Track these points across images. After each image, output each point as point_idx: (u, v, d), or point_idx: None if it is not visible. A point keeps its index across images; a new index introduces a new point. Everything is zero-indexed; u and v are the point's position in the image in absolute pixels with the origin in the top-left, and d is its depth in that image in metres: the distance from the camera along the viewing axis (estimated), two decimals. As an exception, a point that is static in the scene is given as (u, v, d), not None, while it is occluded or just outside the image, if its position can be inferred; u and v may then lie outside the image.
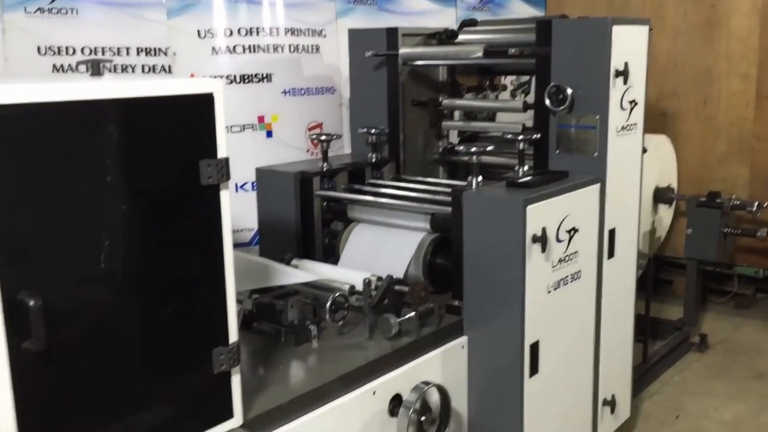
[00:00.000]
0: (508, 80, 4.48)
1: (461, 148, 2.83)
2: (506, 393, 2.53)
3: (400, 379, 2.28)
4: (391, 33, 3.19)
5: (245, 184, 3.57)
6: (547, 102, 2.81)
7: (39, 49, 3.11)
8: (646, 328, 3.92)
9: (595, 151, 2.80)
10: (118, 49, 3.30)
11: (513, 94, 4.54)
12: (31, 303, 1.36)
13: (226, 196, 1.69)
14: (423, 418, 2.25)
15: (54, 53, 3.15)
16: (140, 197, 1.57)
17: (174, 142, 1.63)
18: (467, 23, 3.32)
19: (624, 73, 2.77)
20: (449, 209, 2.60)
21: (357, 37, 3.31)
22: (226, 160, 1.68)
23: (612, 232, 2.92)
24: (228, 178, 1.68)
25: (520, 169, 2.70)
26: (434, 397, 2.32)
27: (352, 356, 2.26)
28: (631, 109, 2.90)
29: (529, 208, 2.41)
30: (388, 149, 3.25)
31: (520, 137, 2.73)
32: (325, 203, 2.99)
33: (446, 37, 3.31)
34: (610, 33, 2.70)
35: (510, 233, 2.43)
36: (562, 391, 2.77)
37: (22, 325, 1.36)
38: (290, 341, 2.33)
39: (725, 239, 4.28)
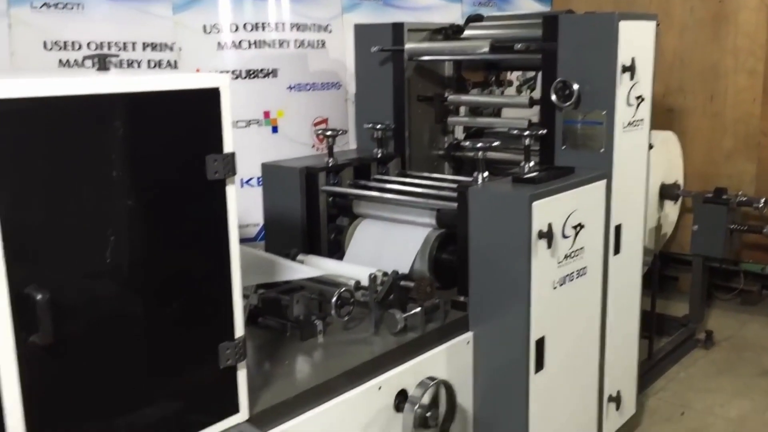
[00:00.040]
0: (514, 76, 4.46)
1: (467, 143, 2.83)
2: (512, 389, 2.53)
3: (406, 374, 2.28)
4: (397, 28, 3.19)
5: (251, 179, 3.57)
6: (554, 98, 2.80)
7: (45, 44, 3.11)
8: (651, 324, 3.91)
9: (601, 147, 2.79)
10: (124, 44, 3.30)
11: (519, 90, 4.53)
12: (39, 297, 1.37)
13: (232, 191, 1.70)
14: (428, 414, 2.25)
15: (60, 48, 3.15)
16: (146, 192, 1.58)
17: (180, 137, 1.63)
18: (473, 19, 3.31)
19: (631, 69, 2.76)
20: (455, 205, 2.59)
21: (363, 33, 3.30)
22: (233, 155, 1.68)
23: (618, 228, 2.91)
24: (234, 173, 1.69)
25: (526, 165, 2.70)
26: (440, 393, 2.32)
27: (357, 351, 2.26)
28: (638, 105, 2.89)
29: (535, 204, 2.41)
30: (393, 145, 3.25)
31: (527, 133, 2.72)
32: (330, 198, 2.99)
33: (452, 32, 3.31)
34: (616, 28, 2.69)
35: (516, 229, 2.43)
36: (568, 387, 2.76)
37: (29, 319, 1.37)
38: (296, 336, 2.33)
39: (731, 236, 4.27)
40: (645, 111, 2.95)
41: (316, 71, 3.78)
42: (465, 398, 2.54)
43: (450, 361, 2.46)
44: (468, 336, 2.55)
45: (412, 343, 2.35)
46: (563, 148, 2.85)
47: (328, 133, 3.07)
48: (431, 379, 2.28)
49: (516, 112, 3.39)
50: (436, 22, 3.40)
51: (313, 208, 2.94)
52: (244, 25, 3.57)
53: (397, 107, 3.23)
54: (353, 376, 2.14)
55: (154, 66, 3.41)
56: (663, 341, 4.26)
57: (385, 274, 2.43)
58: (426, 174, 3.20)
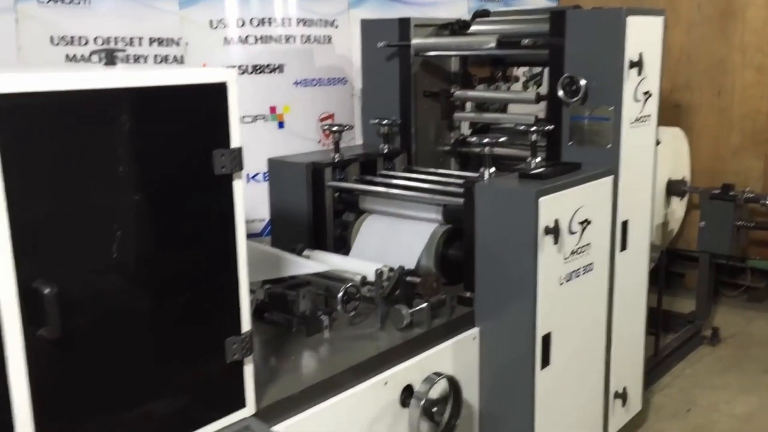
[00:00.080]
0: (520, 72, 4.46)
1: (473, 139, 2.82)
2: (518, 385, 2.53)
3: (412, 369, 2.28)
4: (404, 23, 3.18)
5: (256, 174, 3.57)
6: (561, 93, 2.79)
7: (52, 39, 3.12)
8: (657, 321, 3.90)
9: (608, 143, 2.78)
10: (131, 39, 3.30)
11: (525, 86, 4.52)
12: (46, 291, 1.37)
13: (239, 186, 1.70)
14: (434, 409, 2.25)
15: (67, 43, 3.16)
16: (153, 186, 1.58)
17: (188, 132, 1.63)
18: (479, 14, 3.30)
19: (638, 64, 2.75)
20: (461, 200, 2.59)
21: (369, 28, 3.29)
22: (240, 149, 1.68)
23: (625, 225, 2.90)
24: (241, 167, 1.69)
25: (533, 161, 2.69)
26: (446, 388, 2.32)
27: (363, 347, 2.26)
28: (645, 101, 2.88)
29: (542, 200, 2.40)
30: (399, 140, 3.24)
31: (533, 129, 2.72)
32: (336, 194, 2.99)
33: (458, 27, 3.29)
34: (624, 24, 2.68)
35: (522, 225, 2.43)
36: (574, 383, 2.76)
37: (37, 312, 1.37)
38: (302, 331, 2.33)
39: (738, 232, 4.26)
40: (652, 107, 2.94)
41: (323, 66, 3.78)
42: (471, 394, 2.54)
43: (456, 356, 2.46)
44: (474, 332, 2.55)
45: (418, 339, 2.35)
46: (570, 144, 2.85)
47: (335, 128, 3.06)
48: (437, 374, 2.28)
49: (522, 108, 3.37)
50: (442, 17, 3.39)
51: (319, 203, 2.94)
52: (251, 20, 3.57)
53: (404, 103, 3.22)
54: (359, 372, 2.14)
55: (161, 61, 3.41)
56: (669, 338, 4.26)
57: (391, 269, 2.43)
58: (432, 170, 3.19)
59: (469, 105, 3.48)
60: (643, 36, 2.81)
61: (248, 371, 1.80)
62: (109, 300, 1.54)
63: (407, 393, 2.25)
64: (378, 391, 2.18)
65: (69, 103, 1.42)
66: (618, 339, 2.97)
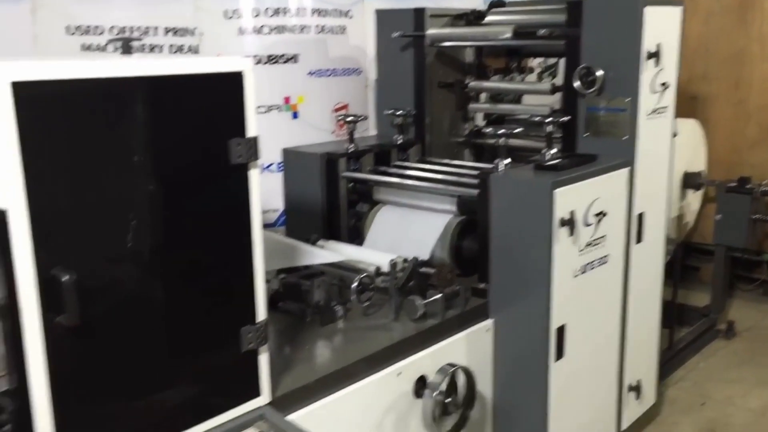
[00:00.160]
0: (535, 62, 4.42)
1: (489, 130, 2.81)
2: (532, 377, 2.52)
3: (425, 360, 2.28)
4: (419, 14, 3.17)
5: (270, 165, 3.57)
6: (577, 84, 2.77)
7: (68, 29, 3.13)
8: (672, 314, 3.88)
9: (624, 135, 2.76)
10: (146, 28, 3.31)
11: (540, 77, 4.48)
12: (65, 278, 1.38)
13: (255, 175, 1.70)
14: (448, 400, 2.25)
15: (82, 33, 3.17)
16: (170, 175, 1.58)
17: (204, 121, 1.63)
18: (495, 4, 3.28)
19: (656, 55, 2.73)
20: (476, 191, 2.58)
21: (384, 18, 3.28)
22: (256, 138, 1.68)
23: (640, 217, 2.88)
24: (257, 157, 1.69)
25: (548, 152, 2.68)
26: (460, 380, 2.31)
27: (377, 337, 2.27)
28: (663, 92, 2.85)
29: (557, 191, 2.39)
30: (414, 131, 3.23)
31: (549, 120, 2.70)
32: (351, 184, 2.99)
33: (474, 18, 3.28)
34: (642, 14, 2.65)
35: (537, 216, 2.41)
36: (588, 375, 2.75)
37: (55, 300, 1.38)
38: (316, 321, 2.34)
39: (755, 225, 4.21)
40: (669, 98, 2.91)
41: (337, 57, 3.77)
42: (485, 385, 2.54)
43: (470, 348, 2.46)
44: (488, 323, 2.55)
45: (431, 330, 2.35)
46: (585, 135, 2.83)
47: (349, 119, 3.06)
48: (451, 365, 2.28)
49: (536, 99, 3.36)
50: (457, 7, 3.37)
51: (334, 193, 2.94)
52: (265, 10, 3.55)
53: (418, 93, 3.21)
54: (373, 362, 2.15)
55: (176, 51, 3.42)
56: (684, 331, 4.23)
57: (405, 260, 2.43)
58: (447, 161, 3.18)
59: (483, 96, 3.46)
60: (661, 26, 2.78)
61: (263, 360, 1.81)
62: (125, 288, 1.54)
63: (421, 384, 2.25)
64: (392, 382, 2.18)
65: (86, 92, 1.42)
66: (632, 332, 2.96)
